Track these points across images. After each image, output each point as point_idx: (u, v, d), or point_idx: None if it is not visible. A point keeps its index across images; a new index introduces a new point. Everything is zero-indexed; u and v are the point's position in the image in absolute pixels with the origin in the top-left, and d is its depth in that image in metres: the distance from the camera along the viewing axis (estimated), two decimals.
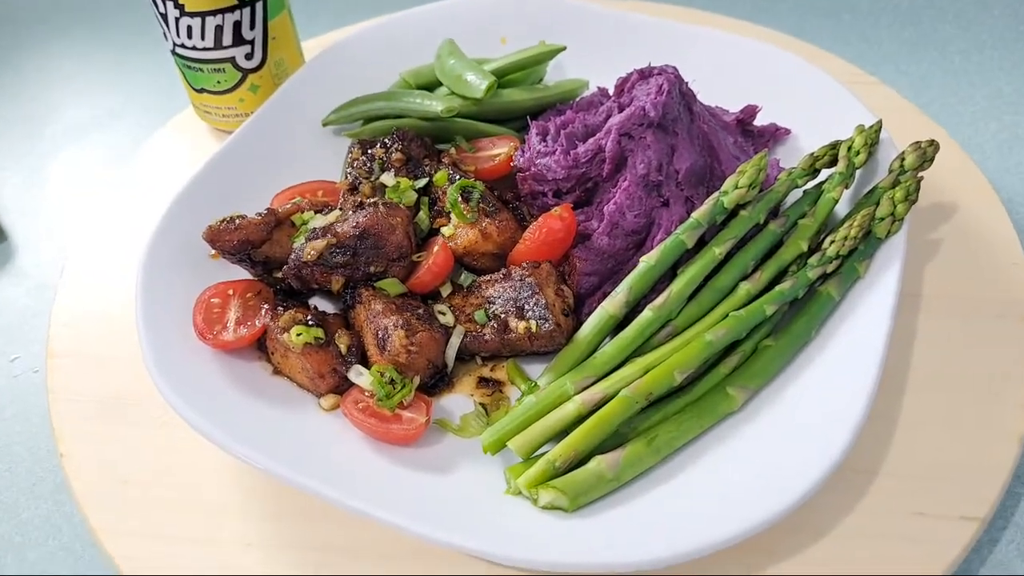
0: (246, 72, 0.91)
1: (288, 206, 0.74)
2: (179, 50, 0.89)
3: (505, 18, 0.98)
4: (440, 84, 0.88)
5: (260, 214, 0.73)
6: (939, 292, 0.75)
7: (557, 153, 0.74)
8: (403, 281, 0.70)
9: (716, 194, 0.70)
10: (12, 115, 1.24)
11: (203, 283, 0.73)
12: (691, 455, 0.62)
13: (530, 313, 0.66)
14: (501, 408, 0.67)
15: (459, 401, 0.69)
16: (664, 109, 0.71)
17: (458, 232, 0.73)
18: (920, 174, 0.72)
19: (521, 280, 0.68)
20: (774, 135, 0.83)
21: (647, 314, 0.66)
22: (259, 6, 0.87)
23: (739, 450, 0.61)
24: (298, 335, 0.66)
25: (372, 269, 0.69)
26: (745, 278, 0.69)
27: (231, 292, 0.72)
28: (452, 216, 0.73)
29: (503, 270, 0.70)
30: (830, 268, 0.68)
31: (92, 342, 0.78)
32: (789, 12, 1.26)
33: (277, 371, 0.69)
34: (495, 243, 0.72)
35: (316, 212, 0.74)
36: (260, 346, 0.71)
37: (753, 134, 0.83)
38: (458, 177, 0.76)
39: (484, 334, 0.67)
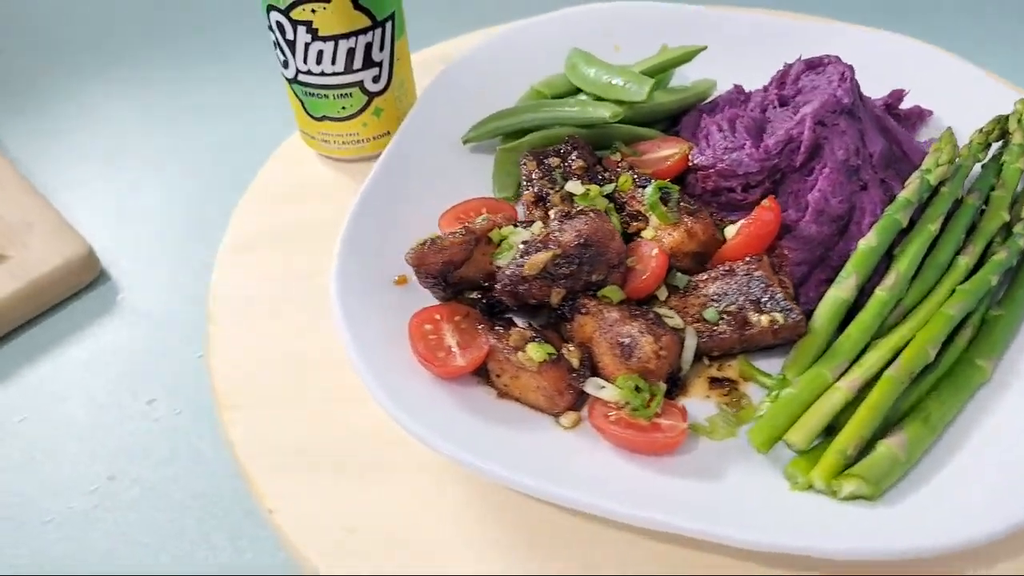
0: (372, 96, 0.88)
1: (481, 223, 0.71)
2: (303, 77, 0.85)
3: (617, 26, 0.98)
4: (576, 92, 0.88)
5: (456, 234, 0.70)
6: None
7: (747, 147, 0.73)
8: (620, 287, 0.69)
9: (919, 172, 0.71)
10: (92, 151, 1.19)
11: (391, 311, 0.70)
12: (956, 431, 0.62)
13: (769, 305, 0.65)
14: (744, 406, 0.66)
15: (692, 404, 0.67)
16: (852, 95, 0.72)
17: (660, 234, 0.71)
18: None
19: (748, 274, 0.67)
20: (919, 116, 0.85)
21: (881, 295, 0.66)
22: (388, 26, 0.84)
23: (1003, 423, 0.62)
24: (535, 353, 0.63)
25: (594, 278, 0.67)
26: (959, 252, 0.70)
27: (438, 317, 0.69)
28: (652, 218, 0.72)
29: (722, 266, 0.69)
30: None
31: (262, 388, 0.73)
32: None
33: (503, 394, 0.66)
34: (699, 242, 0.71)
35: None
36: (478, 371, 0.67)
37: (900, 117, 0.85)
38: (644, 179, 0.75)
39: (721, 331, 0.66)
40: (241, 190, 0.91)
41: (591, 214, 0.67)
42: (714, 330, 0.66)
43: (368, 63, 0.85)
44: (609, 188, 0.75)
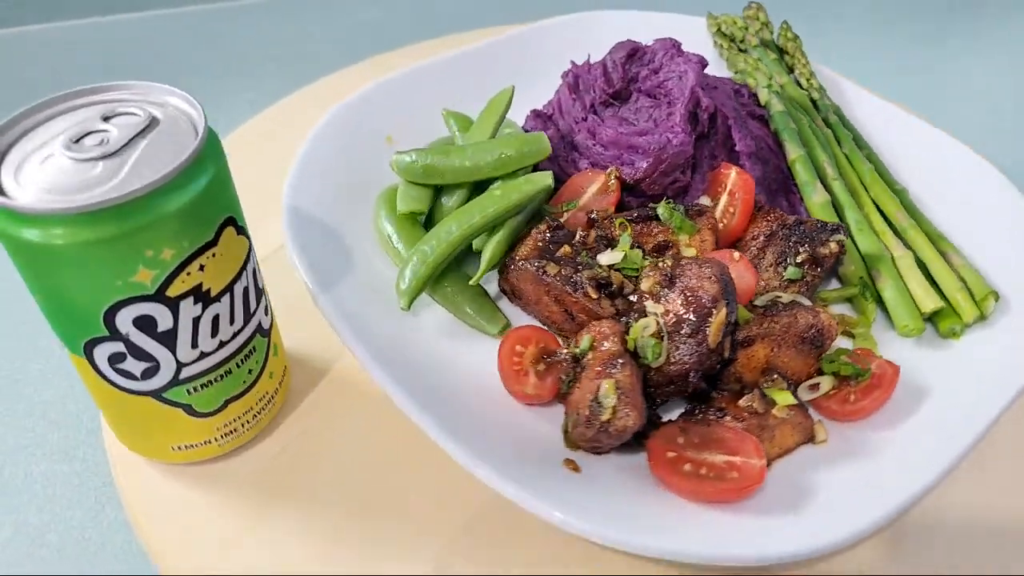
0: (267, 332, 0.61)
1: (593, 359, 0.60)
2: (194, 366, 0.54)
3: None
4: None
5: (609, 398, 0.58)
6: None
7: (680, 134, 0.76)
8: None
9: (765, 88, 0.84)
10: None
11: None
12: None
13: (817, 237, 0.72)
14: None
15: None
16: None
17: (695, 244, 0.71)
18: None
19: (782, 226, 0.73)
20: None
21: (836, 183, 0.79)
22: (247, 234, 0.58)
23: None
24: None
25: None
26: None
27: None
28: (680, 237, 0.70)
29: (754, 240, 0.73)
30: None
31: None
32: None
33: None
34: (721, 231, 0.73)
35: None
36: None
37: None
38: (630, 216, 0.71)
39: (817, 275, 0.71)
40: None
41: (698, 259, 0.63)
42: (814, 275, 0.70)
43: (257, 295, 0.59)
44: (627, 239, 0.70)
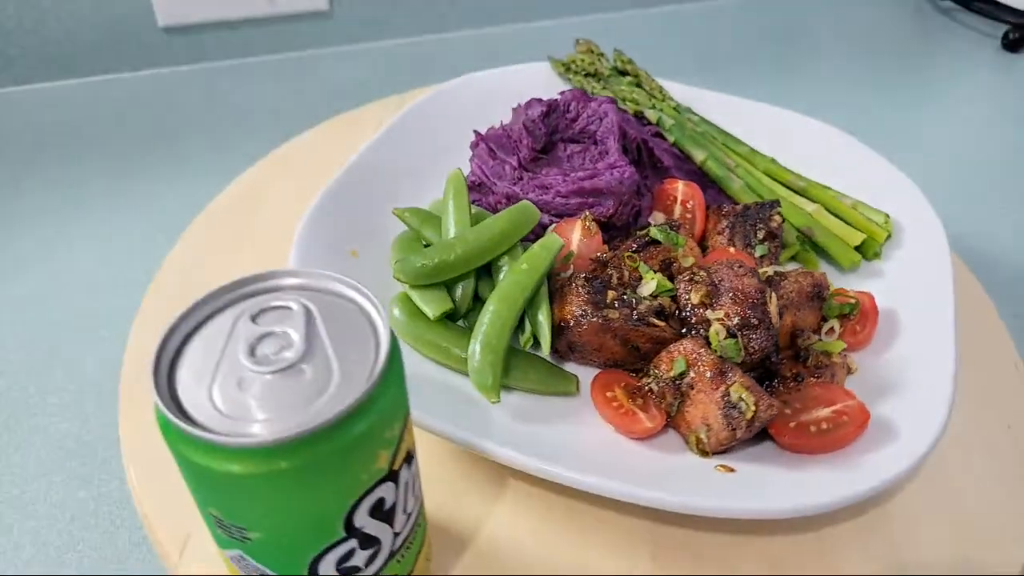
0: None
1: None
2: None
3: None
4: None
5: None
6: None
7: (625, 167, 0.85)
8: None
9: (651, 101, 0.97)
10: None
11: None
12: None
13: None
14: None
15: None
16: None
17: (689, 254, 0.81)
18: None
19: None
20: None
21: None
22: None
23: None
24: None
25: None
26: None
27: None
28: (677, 252, 0.80)
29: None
30: None
31: None
32: None
33: None
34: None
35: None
36: None
37: None
38: (634, 242, 0.80)
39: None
40: None
41: (723, 263, 0.73)
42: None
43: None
44: (646, 268, 0.78)
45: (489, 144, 0.94)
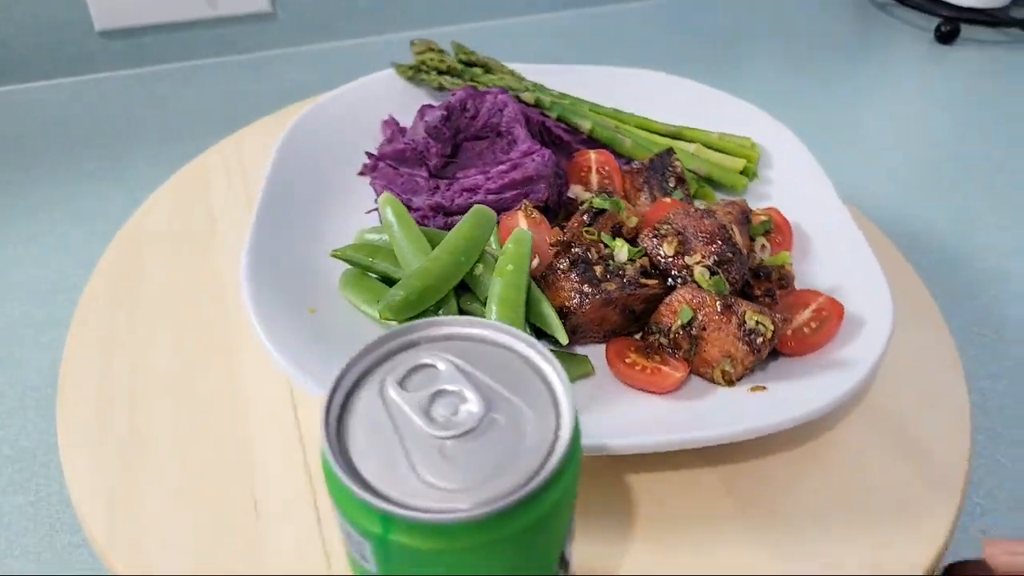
0: None
1: None
2: None
3: None
4: None
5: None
6: None
7: (541, 149, 0.87)
8: None
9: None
10: None
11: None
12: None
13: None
14: None
15: None
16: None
17: (631, 214, 0.86)
18: None
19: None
20: None
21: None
22: None
23: None
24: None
25: None
26: None
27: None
28: (622, 215, 0.85)
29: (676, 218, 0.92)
30: None
31: None
32: None
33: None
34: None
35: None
36: None
37: None
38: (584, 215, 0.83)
39: None
40: None
41: (680, 211, 0.79)
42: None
43: None
44: (607, 236, 0.81)
45: (388, 162, 0.91)
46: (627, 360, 0.75)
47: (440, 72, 1.08)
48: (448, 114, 0.90)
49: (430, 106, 0.93)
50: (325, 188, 0.93)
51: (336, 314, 0.78)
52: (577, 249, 0.80)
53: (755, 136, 1.03)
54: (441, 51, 1.13)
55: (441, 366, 0.44)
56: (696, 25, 2.07)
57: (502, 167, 0.87)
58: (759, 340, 0.72)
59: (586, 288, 0.75)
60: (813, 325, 0.76)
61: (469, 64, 1.11)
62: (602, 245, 0.81)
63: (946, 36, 2.04)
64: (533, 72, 1.11)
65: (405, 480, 0.39)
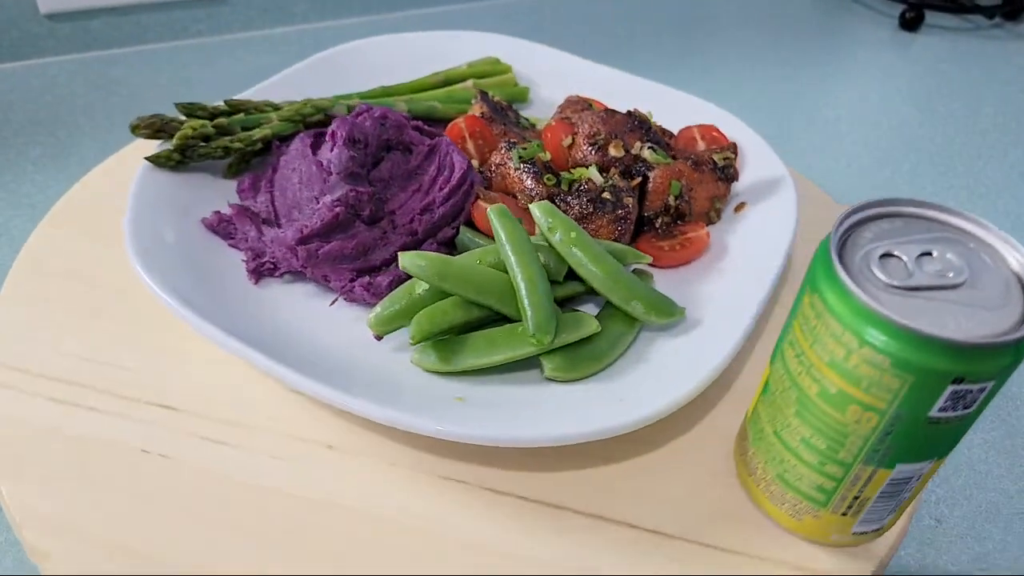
0: None
1: None
2: None
3: None
4: None
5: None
6: None
7: (440, 140, 0.86)
8: None
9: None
10: None
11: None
12: None
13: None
14: None
15: None
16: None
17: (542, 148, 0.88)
18: None
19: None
20: None
21: None
22: None
23: None
24: None
25: None
26: None
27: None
28: (539, 153, 0.87)
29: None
30: None
31: None
32: None
33: None
34: None
35: None
36: None
37: None
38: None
39: None
40: None
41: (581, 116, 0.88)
42: None
43: None
44: (584, 170, 0.86)
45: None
46: (662, 248, 0.79)
47: (207, 139, 0.99)
48: (351, 152, 0.84)
49: (331, 146, 0.87)
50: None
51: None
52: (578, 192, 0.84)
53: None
54: (173, 119, 1.05)
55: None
56: (659, 12, 2.05)
57: (431, 175, 0.85)
58: (731, 170, 0.78)
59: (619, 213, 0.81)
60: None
61: (231, 113, 1.04)
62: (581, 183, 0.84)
63: (910, 23, 2.04)
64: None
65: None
